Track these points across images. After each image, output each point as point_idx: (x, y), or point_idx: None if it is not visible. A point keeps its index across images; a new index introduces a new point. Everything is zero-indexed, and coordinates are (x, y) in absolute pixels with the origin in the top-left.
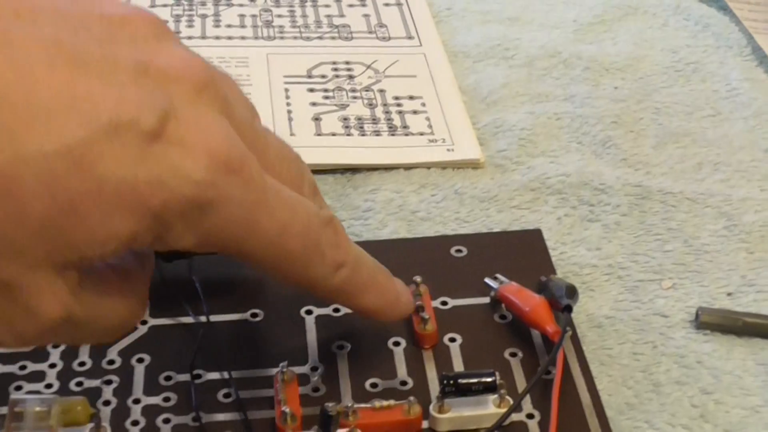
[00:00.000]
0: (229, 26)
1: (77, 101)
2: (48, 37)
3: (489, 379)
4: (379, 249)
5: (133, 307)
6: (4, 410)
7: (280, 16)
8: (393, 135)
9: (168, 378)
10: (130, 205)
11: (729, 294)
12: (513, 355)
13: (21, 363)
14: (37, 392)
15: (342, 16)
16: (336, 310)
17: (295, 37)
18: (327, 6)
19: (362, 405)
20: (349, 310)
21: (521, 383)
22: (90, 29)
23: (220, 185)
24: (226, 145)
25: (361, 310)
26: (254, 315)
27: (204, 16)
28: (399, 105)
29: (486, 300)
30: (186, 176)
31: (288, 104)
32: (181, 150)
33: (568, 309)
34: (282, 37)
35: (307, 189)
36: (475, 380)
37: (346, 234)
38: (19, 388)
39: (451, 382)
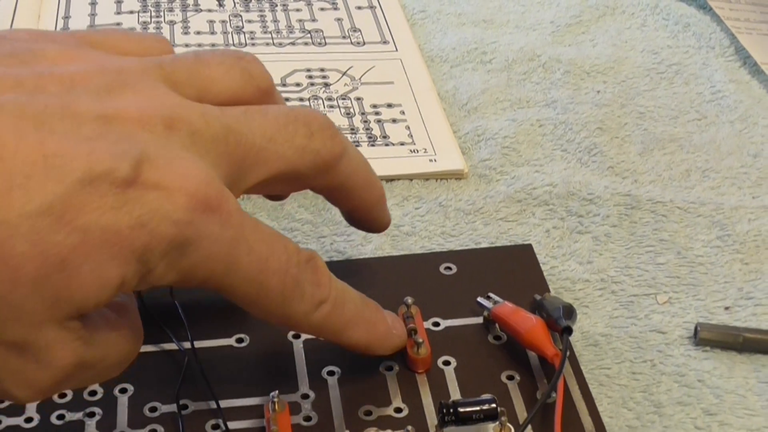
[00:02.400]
0: (198, 33)
1: (49, 160)
2: (9, 104)
3: (490, 407)
4: (365, 268)
5: (134, 338)
6: None
7: (250, 21)
8: (373, 146)
9: (153, 409)
10: (117, 251)
11: (726, 308)
12: (510, 378)
13: None
14: (18, 428)
15: (314, 20)
16: None
17: (267, 44)
18: (298, 10)
19: None
20: None
21: (520, 408)
22: (45, 90)
23: (199, 224)
24: (203, 185)
25: (348, 345)
26: (240, 340)
27: (172, 23)
28: (377, 113)
29: (479, 320)
30: (165, 217)
31: None
32: (159, 192)
33: (568, 331)
34: (253, 44)
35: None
36: (475, 408)
37: (328, 270)
38: None
39: (451, 410)
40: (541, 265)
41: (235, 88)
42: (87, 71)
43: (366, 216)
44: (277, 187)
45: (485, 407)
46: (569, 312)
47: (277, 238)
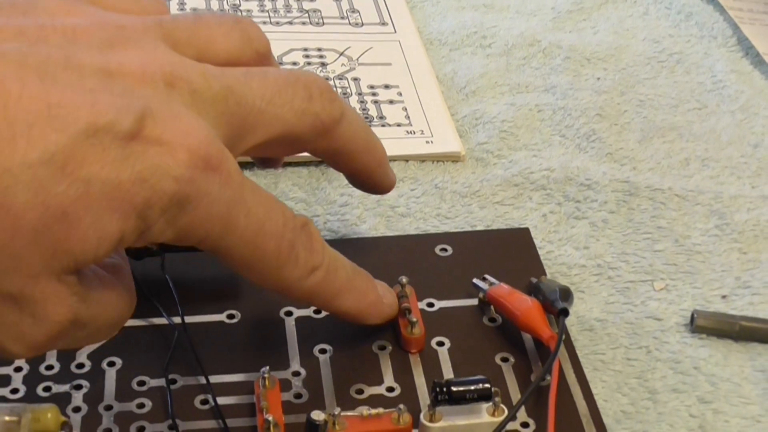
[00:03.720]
0: (194, 10)
1: (53, 110)
2: (12, 53)
3: (483, 387)
4: (359, 247)
5: (127, 299)
6: None
7: None
8: (369, 126)
9: (141, 383)
10: (117, 205)
11: (723, 296)
12: (504, 360)
13: None
14: (3, 398)
15: (312, 0)
16: (317, 312)
17: (264, 22)
18: None
19: (349, 413)
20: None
21: (514, 390)
22: (47, 40)
23: (199, 181)
24: (204, 143)
25: (339, 313)
26: (231, 316)
27: (167, 2)
28: (374, 94)
29: (474, 302)
30: (167, 173)
31: None
32: (160, 148)
33: (564, 313)
34: None
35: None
36: (469, 388)
37: (321, 237)
38: None
39: (444, 389)
40: (537, 249)
41: (234, 50)
42: (88, 25)
43: (369, 179)
44: (275, 150)
45: (479, 387)
46: (566, 294)
47: (274, 202)
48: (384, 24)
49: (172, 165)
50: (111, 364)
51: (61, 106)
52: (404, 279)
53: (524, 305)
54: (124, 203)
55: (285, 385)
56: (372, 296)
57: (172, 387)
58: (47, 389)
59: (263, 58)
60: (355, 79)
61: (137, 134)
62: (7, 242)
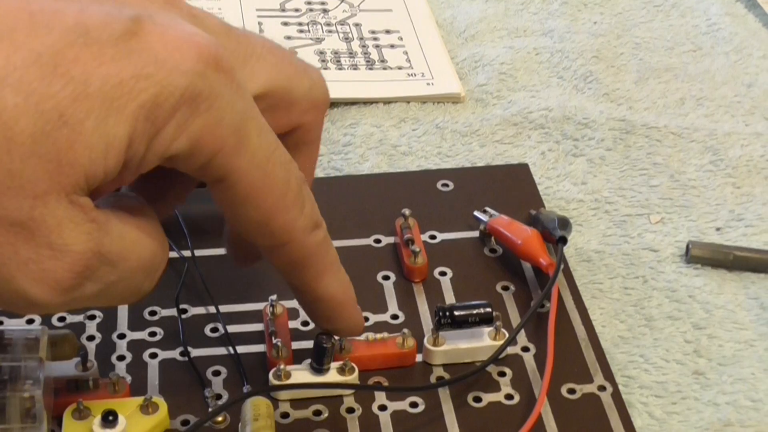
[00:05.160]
0: None
1: (36, 16)
2: None
3: (485, 311)
4: (363, 184)
5: (157, 241)
6: None
7: None
8: (371, 69)
9: (153, 313)
10: (121, 104)
11: (718, 229)
12: (505, 288)
13: None
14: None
15: None
16: None
17: None
18: None
19: (355, 338)
20: None
21: (515, 317)
22: None
23: (211, 78)
24: (213, 44)
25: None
26: None
27: None
28: (376, 39)
29: (475, 234)
30: (174, 67)
31: None
32: (165, 44)
33: (563, 241)
34: None
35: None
36: (471, 312)
37: None
38: None
39: (447, 314)
40: (536, 184)
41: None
42: None
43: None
44: (272, 114)
45: (481, 311)
46: (564, 223)
47: (279, 140)
48: None
49: (179, 59)
50: None
51: (44, 12)
52: (407, 211)
53: (524, 234)
54: (129, 101)
55: (292, 313)
56: (352, 293)
57: (183, 316)
58: (62, 319)
59: None
60: (357, 25)
61: (136, 33)
62: (2, 156)
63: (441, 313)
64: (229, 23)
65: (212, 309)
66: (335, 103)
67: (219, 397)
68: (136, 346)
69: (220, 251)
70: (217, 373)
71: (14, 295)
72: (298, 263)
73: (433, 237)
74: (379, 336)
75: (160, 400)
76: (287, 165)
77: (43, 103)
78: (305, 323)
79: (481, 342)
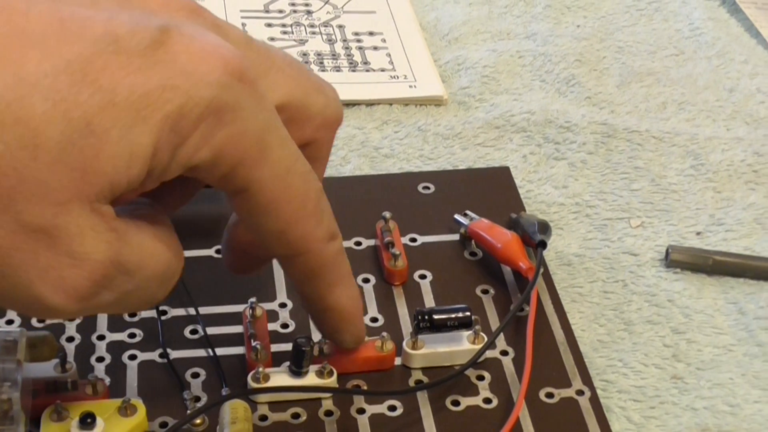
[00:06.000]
0: None
1: (66, 24)
2: None
3: (464, 315)
4: (344, 186)
5: (173, 250)
6: None
7: None
8: (354, 71)
9: (132, 314)
10: (147, 114)
11: (698, 233)
12: (485, 292)
13: None
14: None
15: None
16: None
17: None
18: None
19: None
20: None
21: (494, 320)
22: None
23: (235, 90)
24: (238, 56)
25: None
26: (219, 251)
27: None
28: (359, 41)
29: (455, 237)
30: (200, 79)
31: None
32: (191, 56)
33: (542, 245)
34: None
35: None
36: (450, 316)
37: None
38: None
39: (426, 317)
40: (517, 187)
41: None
42: None
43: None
44: (287, 128)
45: (459, 315)
46: (544, 227)
47: (300, 152)
48: None
49: (205, 71)
50: None
51: (74, 20)
52: (388, 214)
53: (504, 238)
54: (154, 112)
55: (272, 315)
56: (361, 305)
57: (163, 318)
58: (41, 320)
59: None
60: (340, 27)
61: (164, 43)
62: (28, 163)
63: (420, 317)
64: (250, 34)
65: (192, 311)
66: None
67: (198, 399)
68: (116, 348)
69: (201, 253)
70: (196, 375)
71: (32, 300)
72: (312, 273)
73: (413, 240)
74: None
75: (138, 402)
76: (307, 176)
77: (71, 111)
78: (284, 326)
79: (460, 346)
